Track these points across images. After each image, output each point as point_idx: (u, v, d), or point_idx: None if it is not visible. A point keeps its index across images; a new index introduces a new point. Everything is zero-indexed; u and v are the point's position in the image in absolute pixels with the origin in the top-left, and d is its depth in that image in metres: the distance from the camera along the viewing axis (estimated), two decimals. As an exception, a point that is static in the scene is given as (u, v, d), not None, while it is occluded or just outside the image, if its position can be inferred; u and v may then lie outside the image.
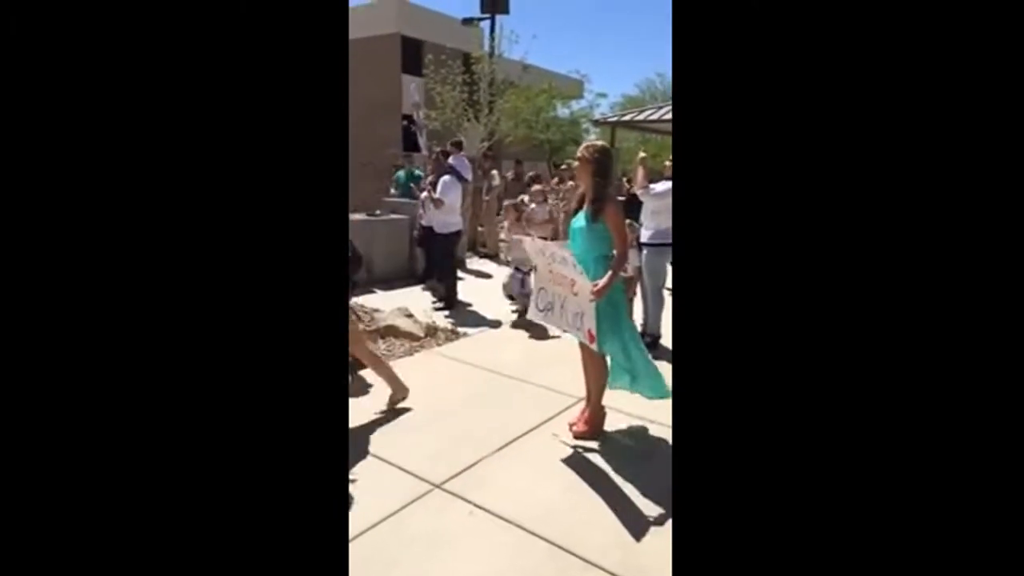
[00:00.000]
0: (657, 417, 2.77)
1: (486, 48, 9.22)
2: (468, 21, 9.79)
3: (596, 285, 2.29)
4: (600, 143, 2.65)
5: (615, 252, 2.44)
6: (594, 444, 2.59)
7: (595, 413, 2.67)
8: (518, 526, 2.01)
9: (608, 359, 2.61)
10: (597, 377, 2.63)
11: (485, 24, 9.47)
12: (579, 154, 2.56)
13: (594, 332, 2.35)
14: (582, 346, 2.57)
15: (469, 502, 2.15)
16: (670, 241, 3.75)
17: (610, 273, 2.36)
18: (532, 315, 2.79)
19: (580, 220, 2.53)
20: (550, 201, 4.63)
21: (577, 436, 2.62)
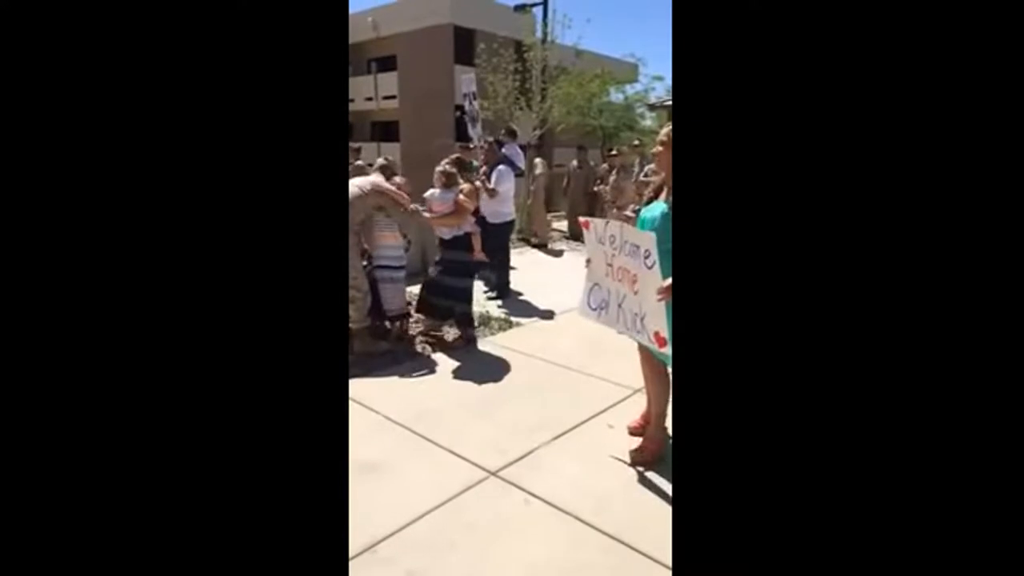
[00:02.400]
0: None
1: (538, 35, 9.11)
2: (520, 8, 9.71)
3: (665, 282, 1.99)
4: None
5: None
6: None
7: (656, 435, 2.40)
8: (574, 517, 2.01)
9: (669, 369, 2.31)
10: (660, 393, 2.35)
11: (538, 10, 9.37)
12: (661, 138, 2.25)
13: (664, 335, 2.04)
14: (644, 356, 2.35)
15: (524, 490, 2.17)
16: None
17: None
18: (583, 313, 2.57)
19: (655, 209, 2.22)
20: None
21: (635, 462, 2.37)
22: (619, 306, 2.31)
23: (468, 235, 3.84)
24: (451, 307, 3.81)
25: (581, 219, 2.58)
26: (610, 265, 2.34)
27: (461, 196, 3.81)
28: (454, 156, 4.19)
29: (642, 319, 2.16)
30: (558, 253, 7.28)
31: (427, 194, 3.78)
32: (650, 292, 2.07)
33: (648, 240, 2.08)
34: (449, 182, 3.78)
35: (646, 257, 2.08)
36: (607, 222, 2.42)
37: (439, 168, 3.83)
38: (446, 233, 3.78)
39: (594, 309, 2.48)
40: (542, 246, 7.47)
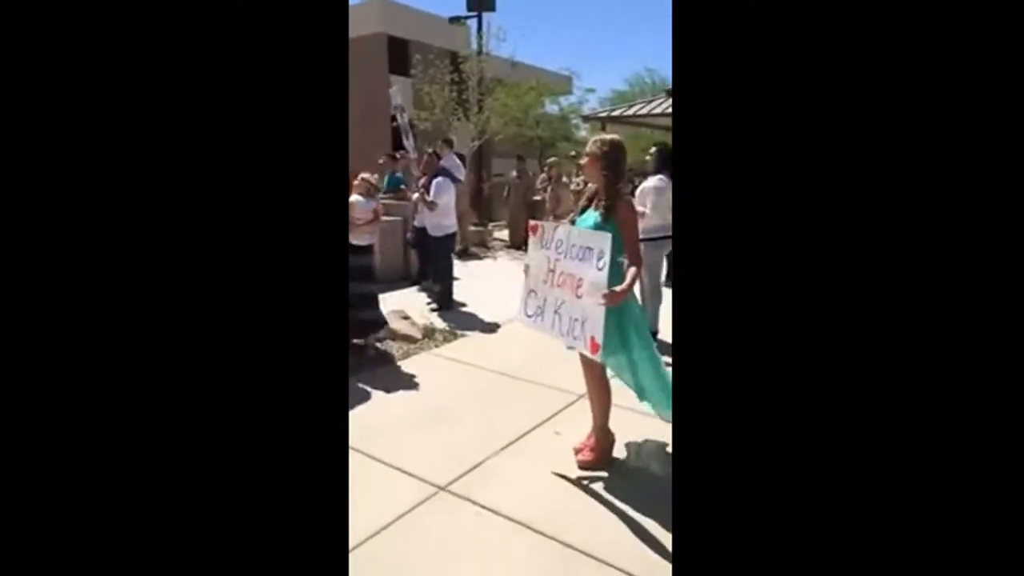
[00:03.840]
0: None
1: (473, 47, 9.18)
2: (455, 20, 9.75)
3: (611, 290, 2.05)
4: (610, 136, 2.34)
5: (627, 256, 2.18)
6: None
7: (601, 439, 2.41)
8: (526, 526, 2.00)
9: (609, 372, 2.38)
10: (599, 398, 2.38)
11: (472, 22, 9.43)
12: (587, 149, 2.29)
13: (599, 340, 2.08)
14: (584, 363, 2.35)
15: (475, 503, 2.14)
16: (668, 234, 3.74)
17: (629, 279, 2.11)
18: (519, 320, 2.56)
19: (589, 220, 2.28)
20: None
21: (583, 466, 2.37)
22: (555, 312, 2.30)
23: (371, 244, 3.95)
24: (375, 318, 3.80)
25: (531, 222, 2.55)
26: (552, 271, 2.34)
27: (379, 204, 3.89)
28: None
29: (582, 324, 2.14)
30: (496, 260, 7.30)
31: (352, 199, 3.73)
32: (596, 295, 2.05)
33: (602, 240, 2.07)
34: (370, 191, 3.80)
35: (599, 259, 2.07)
36: (556, 225, 2.41)
37: (363, 175, 3.87)
38: (367, 239, 3.80)
39: (530, 316, 2.46)
40: (467, 252, 7.41)
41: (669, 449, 2.52)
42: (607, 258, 2.04)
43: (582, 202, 2.42)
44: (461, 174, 5.51)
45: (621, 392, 2.45)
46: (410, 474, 2.33)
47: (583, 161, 2.34)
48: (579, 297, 2.16)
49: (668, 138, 12.62)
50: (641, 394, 2.39)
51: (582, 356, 2.32)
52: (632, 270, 2.15)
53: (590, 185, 2.44)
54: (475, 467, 2.40)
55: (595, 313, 2.07)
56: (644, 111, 11.33)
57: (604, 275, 2.05)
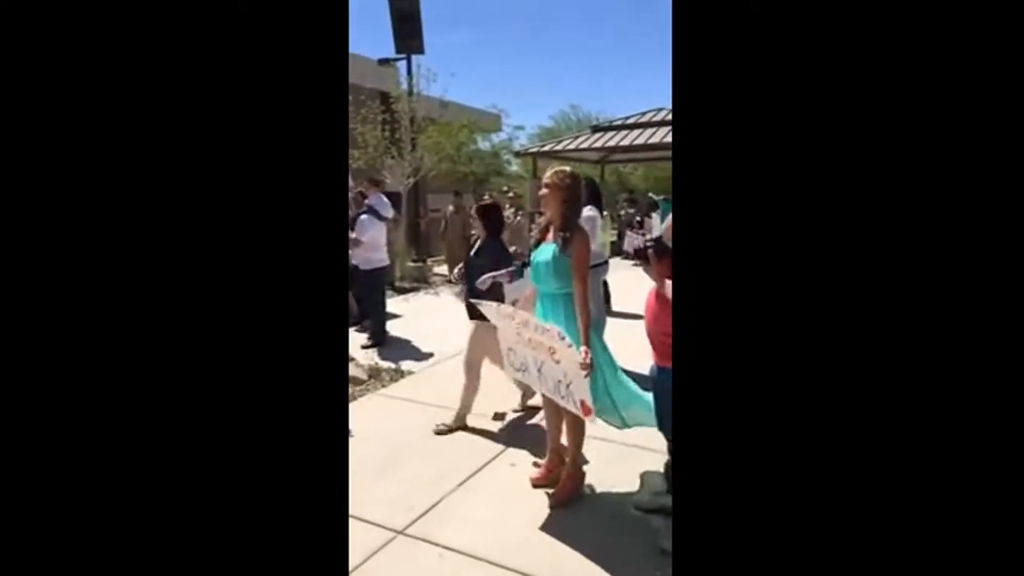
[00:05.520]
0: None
1: (403, 87, 9.30)
2: (384, 62, 9.85)
3: (584, 355, 2.01)
4: (568, 168, 2.34)
5: (576, 292, 2.18)
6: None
7: (573, 473, 2.38)
8: (489, 562, 1.99)
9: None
10: (573, 432, 2.35)
11: (401, 64, 9.58)
12: (546, 180, 2.27)
13: (589, 403, 2.03)
14: (548, 400, 2.34)
15: (436, 544, 2.11)
16: (600, 261, 3.91)
17: (583, 331, 2.13)
18: (508, 373, 2.54)
19: (546, 253, 2.26)
20: None
21: (555, 504, 2.33)
22: (539, 371, 2.28)
23: None
24: None
25: (475, 306, 2.56)
26: (518, 335, 2.33)
27: None
28: None
29: (567, 386, 2.12)
30: (438, 296, 7.28)
31: None
32: (572, 365, 2.03)
33: (556, 329, 2.07)
34: None
35: (562, 339, 2.04)
36: (498, 306, 2.41)
37: None
38: None
39: (518, 370, 2.46)
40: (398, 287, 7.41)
41: (627, 473, 2.56)
42: (568, 338, 2.04)
43: (536, 235, 2.42)
44: (388, 211, 5.55)
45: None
46: (366, 521, 2.26)
47: (542, 192, 2.30)
48: (557, 362, 2.12)
49: (595, 172, 13.23)
50: (625, 423, 2.33)
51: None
52: (582, 320, 2.15)
53: (542, 218, 2.42)
54: (433, 507, 2.36)
55: (580, 380, 2.03)
56: (572, 146, 11.83)
57: (573, 350, 2.02)
